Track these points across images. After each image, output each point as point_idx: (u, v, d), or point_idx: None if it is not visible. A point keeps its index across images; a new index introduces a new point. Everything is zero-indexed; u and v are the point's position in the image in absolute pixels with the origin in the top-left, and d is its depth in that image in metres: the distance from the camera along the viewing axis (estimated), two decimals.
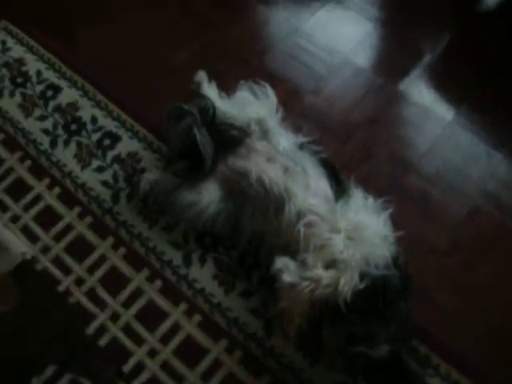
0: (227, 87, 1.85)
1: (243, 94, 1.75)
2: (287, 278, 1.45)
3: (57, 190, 1.86)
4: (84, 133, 1.96)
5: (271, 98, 1.75)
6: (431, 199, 1.85)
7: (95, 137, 1.95)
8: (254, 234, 1.63)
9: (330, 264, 1.44)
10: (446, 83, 2.11)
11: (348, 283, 1.39)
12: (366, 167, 1.89)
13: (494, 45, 2.15)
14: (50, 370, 1.57)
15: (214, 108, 1.68)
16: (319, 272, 1.42)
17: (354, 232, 1.47)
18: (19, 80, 2.08)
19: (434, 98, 2.06)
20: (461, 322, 1.65)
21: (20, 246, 1.08)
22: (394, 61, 2.16)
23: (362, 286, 1.39)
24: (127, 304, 1.67)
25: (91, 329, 1.64)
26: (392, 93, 2.06)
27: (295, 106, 2.01)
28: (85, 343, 1.31)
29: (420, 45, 2.18)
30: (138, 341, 1.63)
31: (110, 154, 1.91)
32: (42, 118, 2.00)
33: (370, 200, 1.58)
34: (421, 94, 2.06)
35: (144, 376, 1.58)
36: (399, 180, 1.88)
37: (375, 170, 1.89)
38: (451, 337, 1.62)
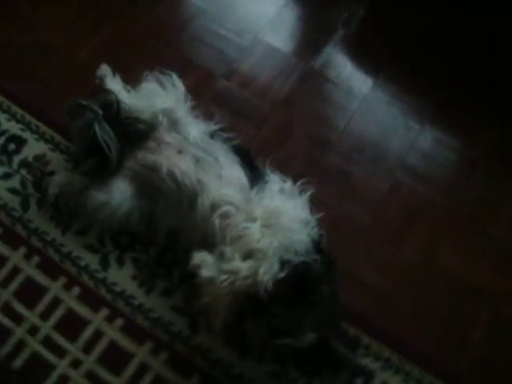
0: (135, 79, 1.77)
1: (149, 86, 1.68)
2: (205, 272, 1.40)
3: None
4: None
5: (178, 87, 1.68)
6: (352, 176, 1.83)
7: None
8: (170, 230, 1.57)
9: (248, 254, 1.40)
10: (360, 58, 2.09)
11: (267, 272, 1.35)
12: (283, 150, 1.86)
13: (405, 16, 2.14)
14: None
15: (118, 102, 1.60)
16: (237, 264, 1.38)
17: (270, 219, 1.43)
18: None
19: (349, 74, 2.04)
20: (389, 299, 1.65)
21: None
22: (306, 38, 2.13)
23: (282, 275, 1.35)
24: (45, 315, 1.59)
25: (9, 345, 1.56)
26: (307, 71, 2.03)
27: (207, 92, 1.95)
28: None
29: (332, 20, 2.15)
30: (60, 353, 1.55)
31: (16, 159, 1.81)
32: None
33: (288, 184, 1.53)
34: (336, 70, 2.04)
35: None
36: (318, 160, 1.85)
37: (293, 152, 1.85)
38: (381, 315, 1.61)
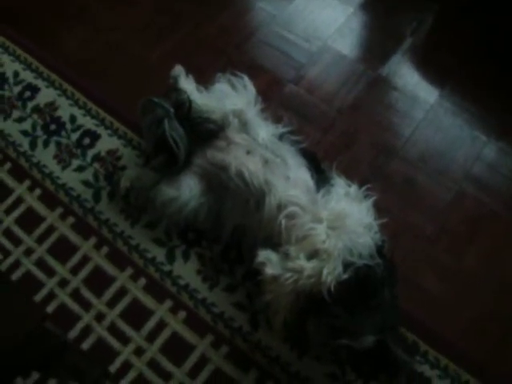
0: (206, 80, 1.82)
1: (221, 87, 1.73)
2: (270, 270, 1.43)
3: (38, 191, 1.84)
4: (63, 132, 1.94)
5: (249, 89, 1.72)
6: (416, 184, 1.83)
7: (74, 136, 1.93)
8: (235, 228, 1.61)
9: (313, 254, 1.42)
10: (427, 67, 2.09)
11: (331, 273, 1.37)
12: (348, 155, 1.87)
13: (475, 27, 2.13)
14: (36, 374, 1.56)
15: (190, 101, 1.65)
16: (302, 263, 1.40)
17: (335, 221, 1.45)
18: None
19: (416, 82, 2.04)
20: (449, 308, 1.64)
21: None
22: (374, 46, 2.14)
23: (345, 276, 1.37)
24: (112, 303, 1.66)
25: (76, 330, 1.63)
26: (373, 78, 2.04)
27: (275, 96, 1.99)
28: (63, 346, 1.29)
29: (401, 29, 2.16)
30: (124, 340, 1.62)
31: (90, 153, 1.89)
32: (21, 120, 1.97)
33: (353, 188, 1.55)
34: (402, 79, 2.04)
35: (131, 375, 1.57)
36: (383, 166, 1.86)
37: (358, 158, 1.87)
38: (439, 323, 1.61)
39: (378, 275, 1.39)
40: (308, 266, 1.39)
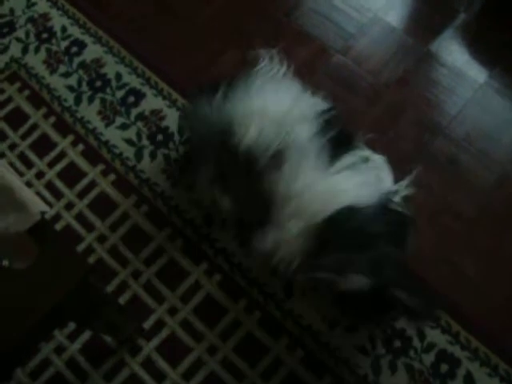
0: (253, 43, 1.81)
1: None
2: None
3: (80, 146, 1.86)
4: (108, 90, 1.95)
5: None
6: (459, 164, 1.80)
7: (119, 94, 1.94)
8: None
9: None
10: (479, 45, 2.03)
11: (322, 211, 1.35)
12: (393, 130, 1.85)
13: None
14: (72, 325, 1.60)
15: None
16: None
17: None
18: (44, 35, 2.06)
19: (466, 60, 1.99)
20: (484, 290, 1.63)
21: (39, 205, 1.08)
22: (425, 20, 2.08)
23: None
24: (148, 262, 1.68)
25: (113, 286, 1.66)
26: (423, 53, 2.00)
27: (322, 65, 1.96)
28: (104, 300, 1.31)
29: (454, 4, 2.10)
30: (159, 298, 1.64)
31: (134, 112, 1.90)
32: (67, 75, 1.98)
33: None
34: (452, 56, 1.99)
35: (164, 333, 1.60)
36: (427, 144, 1.83)
37: (402, 133, 1.84)
38: (472, 305, 1.59)
39: (363, 213, 1.33)
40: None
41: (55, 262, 1.05)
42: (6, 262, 1.00)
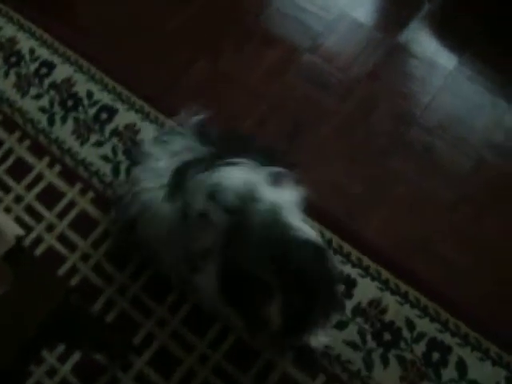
0: (223, 49, 1.82)
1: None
2: None
3: (57, 167, 1.85)
4: (81, 108, 1.94)
5: None
6: (436, 152, 1.81)
7: (92, 111, 1.93)
8: None
9: None
10: (446, 33, 2.05)
11: None
12: (367, 124, 1.86)
13: None
14: (62, 346, 1.59)
15: None
16: None
17: None
18: (13, 59, 2.06)
19: (434, 49, 2.01)
20: (468, 275, 1.63)
21: (14, 229, 1.07)
22: (392, 13, 2.10)
23: None
24: (134, 277, 1.67)
25: (100, 303, 1.65)
26: (391, 46, 2.01)
27: (293, 66, 1.97)
28: (89, 319, 1.31)
29: None
30: (147, 313, 1.63)
31: (108, 128, 1.90)
32: (38, 96, 1.98)
33: None
34: (421, 46, 2.01)
35: (154, 346, 1.59)
36: (402, 135, 1.84)
37: (377, 126, 1.85)
38: (459, 291, 1.60)
39: None
40: None
41: (33, 285, 1.05)
42: None
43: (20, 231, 1.08)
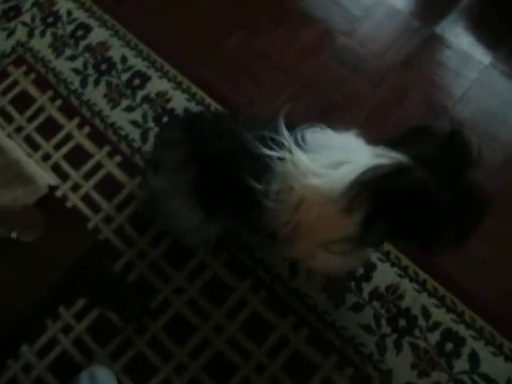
0: (260, 27, 1.81)
1: None
2: None
3: (87, 129, 1.87)
4: (114, 72, 1.95)
5: None
6: None
7: (125, 76, 1.94)
8: None
9: None
10: (484, 27, 2.03)
11: None
12: (398, 111, 1.85)
13: None
14: (80, 303, 1.61)
15: None
16: None
17: None
18: (50, 19, 2.07)
19: (471, 42, 1.99)
20: (491, 272, 1.63)
21: (47, 178, 1.09)
22: (431, 2, 2.08)
23: None
24: (154, 242, 1.69)
25: (119, 265, 1.67)
26: (428, 35, 2.00)
27: (327, 48, 1.96)
28: (112, 276, 1.32)
29: None
30: (165, 278, 1.65)
31: (140, 94, 1.91)
32: (73, 58, 1.99)
33: None
34: (458, 38, 1.99)
35: (170, 312, 1.61)
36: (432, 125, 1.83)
37: (407, 115, 1.84)
38: (478, 285, 1.60)
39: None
40: None
41: (62, 234, 1.06)
42: (14, 235, 1.01)
43: (53, 181, 1.09)
